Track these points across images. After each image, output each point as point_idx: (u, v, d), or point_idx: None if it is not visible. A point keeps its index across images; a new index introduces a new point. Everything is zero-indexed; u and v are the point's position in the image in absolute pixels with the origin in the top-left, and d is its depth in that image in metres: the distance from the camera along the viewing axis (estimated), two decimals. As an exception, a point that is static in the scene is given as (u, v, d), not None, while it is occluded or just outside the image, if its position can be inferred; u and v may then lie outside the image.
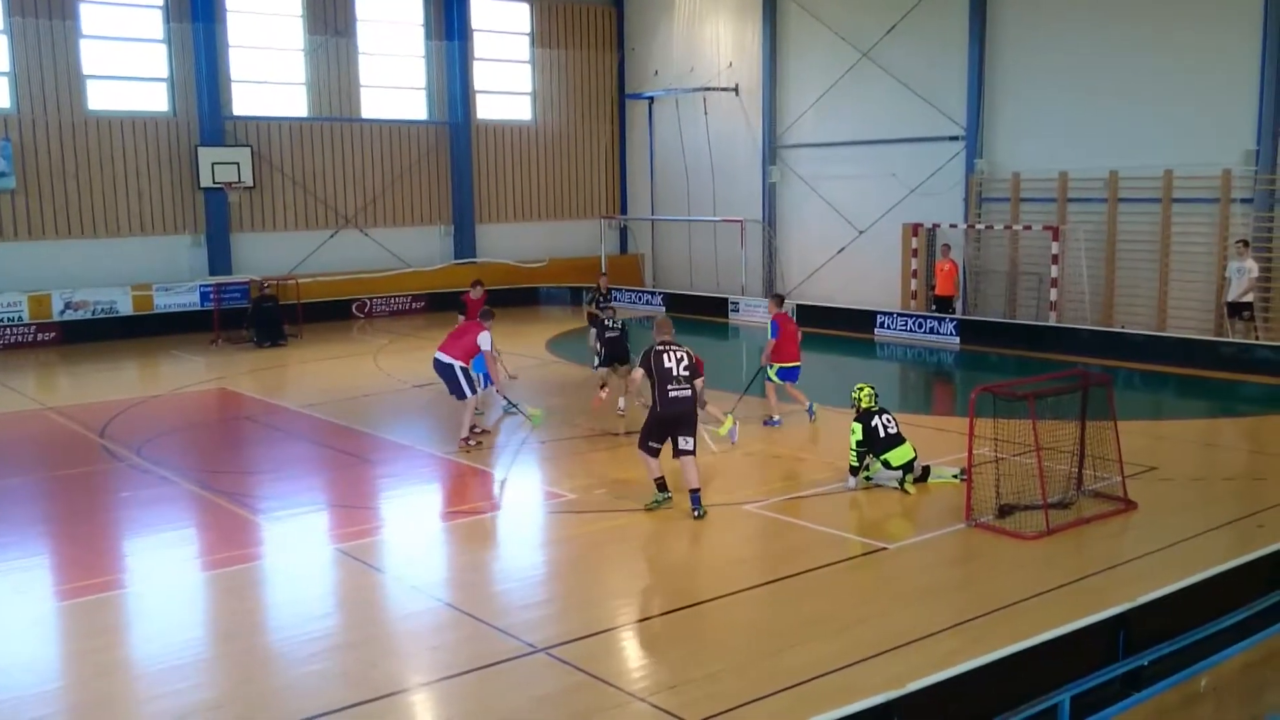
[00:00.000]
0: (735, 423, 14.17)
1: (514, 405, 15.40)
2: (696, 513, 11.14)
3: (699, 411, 11.53)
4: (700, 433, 12.17)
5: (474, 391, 14.42)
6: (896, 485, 11.91)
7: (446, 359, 14.26)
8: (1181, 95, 21.30)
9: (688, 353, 11.26)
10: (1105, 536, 10.49)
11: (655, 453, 11.33)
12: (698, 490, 11.20)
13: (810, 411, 15.57)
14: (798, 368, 15.38)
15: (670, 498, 11.43)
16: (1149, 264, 22.04)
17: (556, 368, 21.08)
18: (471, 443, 14.27)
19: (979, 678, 6.53)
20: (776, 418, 15.37)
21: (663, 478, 11.45)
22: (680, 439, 11.17)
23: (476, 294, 18.24)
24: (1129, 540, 10.42)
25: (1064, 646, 7.06)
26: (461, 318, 16.77)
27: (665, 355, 11.17)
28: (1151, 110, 21.71)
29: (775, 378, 15.36)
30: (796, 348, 15.33)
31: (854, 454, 11.93)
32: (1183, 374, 19.49)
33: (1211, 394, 18.43)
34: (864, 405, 12.06)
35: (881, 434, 11.89)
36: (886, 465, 11.90)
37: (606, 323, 16.45)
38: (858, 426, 11.92)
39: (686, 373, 11.19)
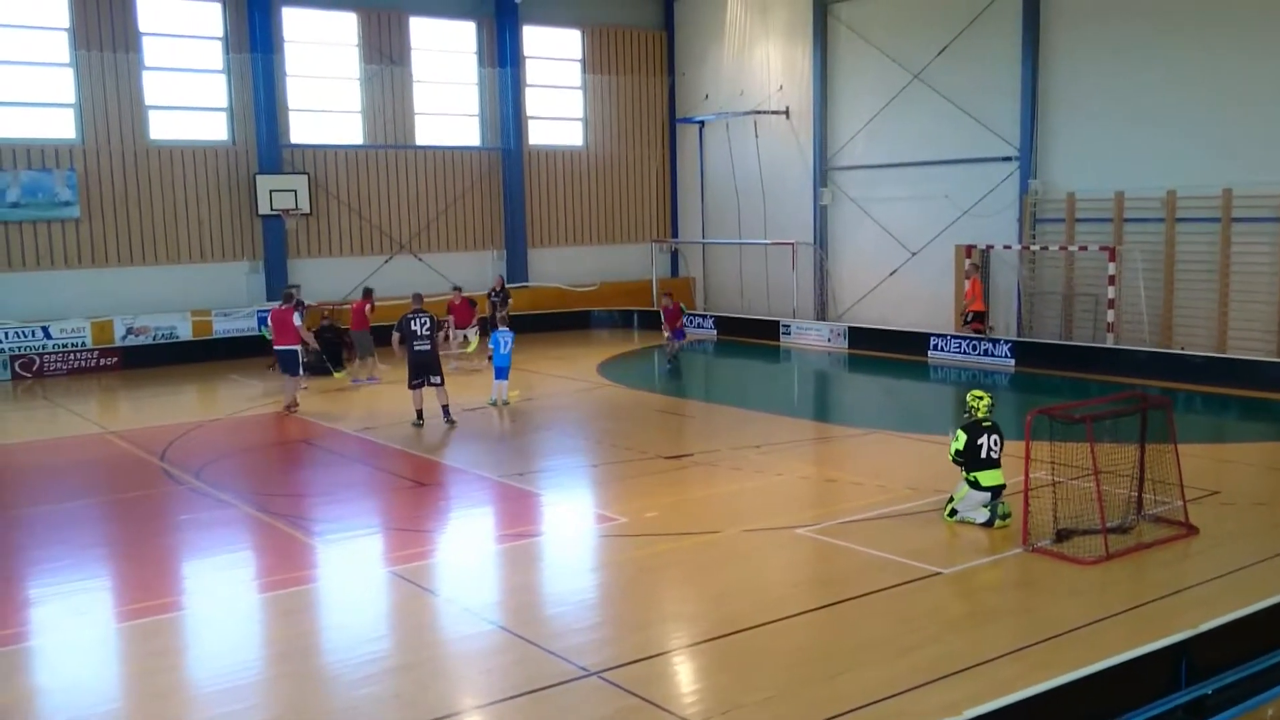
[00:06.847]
0: (477, 339, 23.43)
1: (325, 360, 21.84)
2: (448, 420, 17.01)
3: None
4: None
5: (302, 371, 18.97)
6: (983, 522, 11.22)
7: (289, 346, 18.36)
8: (1239, 113, 20.99)
9: (430, 317, 17.15)
10: (1166, 562, 10.31)
11: (419, 387, 17.01)
12: (446, 405, 17.11)
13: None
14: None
15: (424, 423, 16.97)
16: (1208, 284, 21.67)
17: (607, 391, 21.13)
18: (294, 410, 18.56)
19: (1037, 705, 6.43)
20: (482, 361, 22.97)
21: (421, 409, 17.09)
22: (430, 376, 16.99)
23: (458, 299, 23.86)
24: (1190, 566, 10.22)
25: (1124, 674, 6.93)
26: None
27: (413, 321, 16.93)
28: (1209, 129, 21.40)
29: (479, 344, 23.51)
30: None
31: (956, 463, 11.33)
32: (1245, 396, 19.11)
33: (1275, 417, 18.04)
34: (979, 415, 11.37)
35: (983, 454, 11.22)
36: (976, 485, 11.25)
37: (417, 330, 17.00)
38: (962, 435, 11.22)
39: (427, 332, 16.92)
